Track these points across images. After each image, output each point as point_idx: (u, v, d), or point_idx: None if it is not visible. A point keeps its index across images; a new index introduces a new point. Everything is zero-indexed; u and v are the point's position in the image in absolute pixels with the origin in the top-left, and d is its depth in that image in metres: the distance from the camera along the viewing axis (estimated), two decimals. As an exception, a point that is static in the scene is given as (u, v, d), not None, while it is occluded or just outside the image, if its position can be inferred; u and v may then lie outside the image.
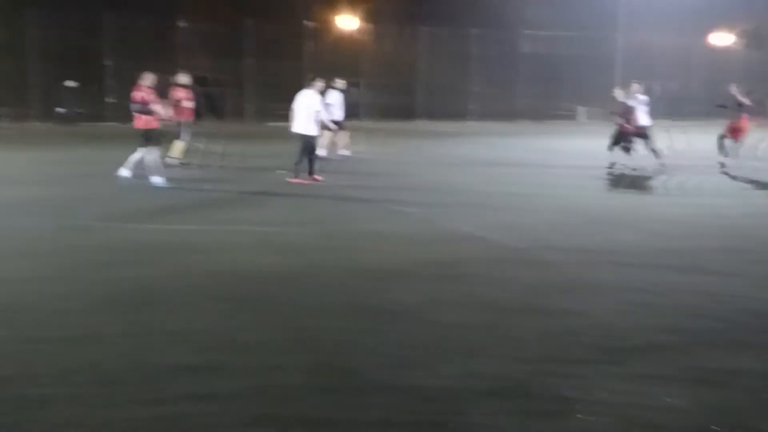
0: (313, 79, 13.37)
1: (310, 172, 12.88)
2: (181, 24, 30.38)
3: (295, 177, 12.79)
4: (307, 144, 12.91)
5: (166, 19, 29.36)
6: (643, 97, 15.32)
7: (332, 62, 28.70)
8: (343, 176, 13.64)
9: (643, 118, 15.09)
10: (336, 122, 16.32)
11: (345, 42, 33.42)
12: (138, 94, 12.33)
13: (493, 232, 8.92)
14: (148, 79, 12.49)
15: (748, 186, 13.43)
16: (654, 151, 15.02)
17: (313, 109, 12.92)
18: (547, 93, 34.40)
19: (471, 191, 12.44)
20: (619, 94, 15.71)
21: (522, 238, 8.58)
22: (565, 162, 17.06)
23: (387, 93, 32.67)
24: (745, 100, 15.53)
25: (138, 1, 27.72)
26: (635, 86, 15.54)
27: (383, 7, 33.54)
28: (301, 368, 4.68)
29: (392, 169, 15.61)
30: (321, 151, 14.82)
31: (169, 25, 29.74)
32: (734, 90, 15.80)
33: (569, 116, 35.92)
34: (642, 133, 15.08)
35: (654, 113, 15.56)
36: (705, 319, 5.65)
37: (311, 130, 12.91)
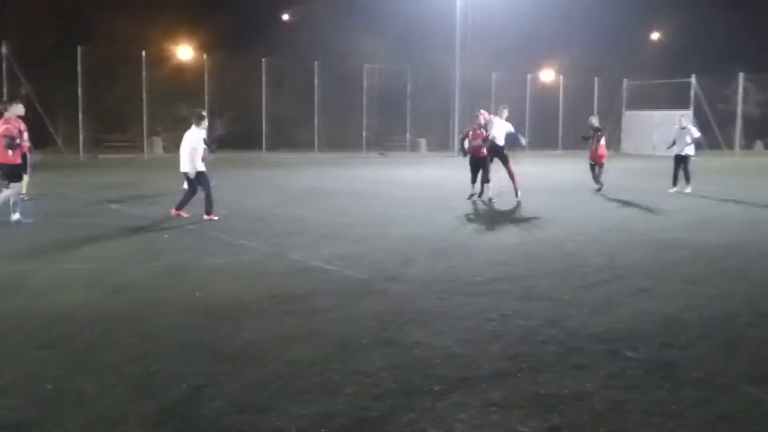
0: (200, 116, 12.80)
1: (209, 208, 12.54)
2: (4, 50, 28.55)
3: (207, 214, 12.43)
4: (194, 181, 12.56)
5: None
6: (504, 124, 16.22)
7: (172, 93, 28.03)
8: (187, 208, 13.19)
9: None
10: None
11: (186, 72, 32.69)
12: (4, 126, 11.36)
13: (340, 263, 8.88)
14: (15, 110, 11.60)
15: (585, 213, 14.18)
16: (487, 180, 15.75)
17: (195, 147, 12.43)
18: (390, 125, 35.24)
19: (317, 222, 12.39)
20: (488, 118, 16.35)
21: (369, 269, 8.58)
22: (409, 192, 17.44)
23: (231, 124, 32.29)
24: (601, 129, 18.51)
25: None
26: (504, 112, 16.47)
27: (224, 37, 33.18)
28: (146, 419, 4.37)
29: (236, 200, 15.30)
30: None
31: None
32: (594, 121, 18.67)
33: (412, 147, 36.94)
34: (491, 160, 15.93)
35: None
36: (547, 344, 5.83)
37: (195, 167, 12.42)
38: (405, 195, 16.94)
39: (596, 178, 18.04)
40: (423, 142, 37.92)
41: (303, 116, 33.31)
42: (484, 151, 15.65)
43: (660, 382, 5.03)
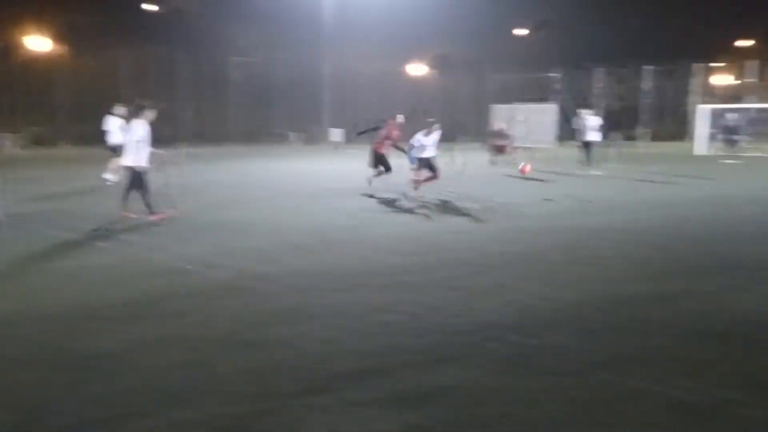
0: (141, 107, 11.84)
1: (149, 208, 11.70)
2: None
3: (151, 213, 11.60)
4: (136, 177, 11.66)
5: None
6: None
7: (23, 86, 26.46)
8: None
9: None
10: (114, 147, 16.07)
11: (38, 64, 30.85)
12: None
13: (201, 263, 8.54)
14: None
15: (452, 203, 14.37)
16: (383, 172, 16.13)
17: (138, 140, 11.56)
18: (259, 117, 34.68)
19: (180, 221, 11.87)
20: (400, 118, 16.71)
21: (232, 268, 8.30)
22: (278, 186, 17.12)
23: (86, 118, 30.82)
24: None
25: None
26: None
27: (79, 28, 31.51)
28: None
29: (87, 199, 14.53)
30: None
31: None
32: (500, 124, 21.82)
33: (281, 139, 36.51)
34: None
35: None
36: (411, 339, 5.78)
37: (139, 162, 11.56)
38: (272, 189, 16.61)
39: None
40: (295, 135, 37.60)
41: (168, 110, 32.20)
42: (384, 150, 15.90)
43: (518, 370, 5.09)
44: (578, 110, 23.32)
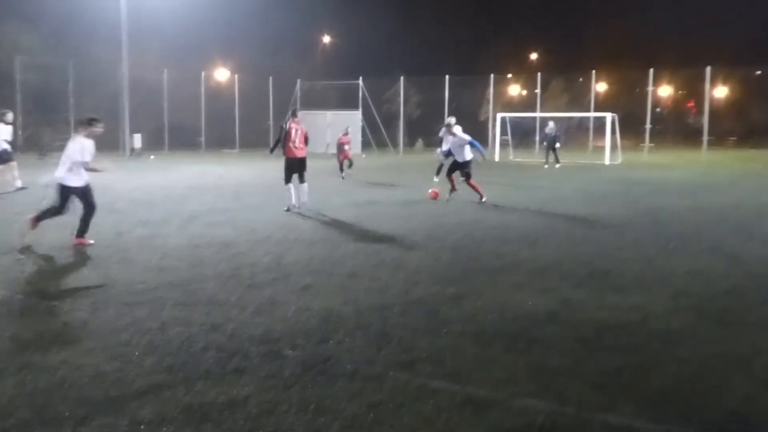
0: (87, 123, 10.19)
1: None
2: None
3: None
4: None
5: None
6: None
7: None
8: None
9: None
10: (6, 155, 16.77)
11: None
12: None
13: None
14: None
15: (260, 213, 14.15)
16: None
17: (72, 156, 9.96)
18: (52, 123, 32.50)
19: None
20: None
21: (6, 285, 7.66)
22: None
23: None
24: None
25: None
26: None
27: None
28: None
29: None
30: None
31: None
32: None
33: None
34: None
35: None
36: (206, 351, 5.59)
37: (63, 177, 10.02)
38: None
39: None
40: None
41: None
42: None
43: (316, 377, 5.06)
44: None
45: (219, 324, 6.31)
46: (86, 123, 10.21)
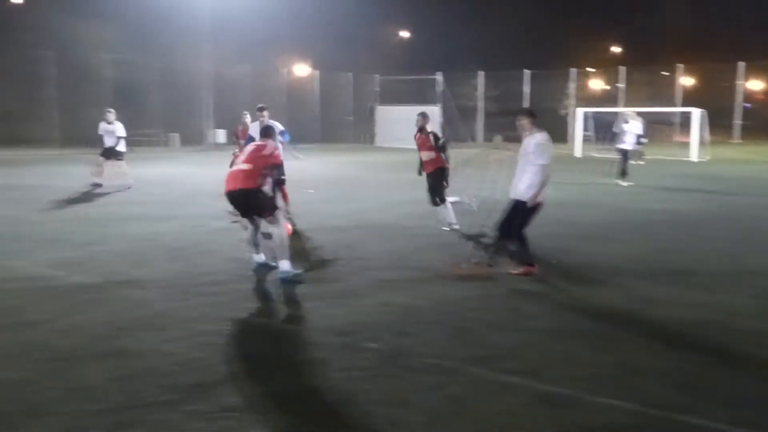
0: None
1: None
2: None
3: None
4: None
5: None
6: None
7: None
8: None
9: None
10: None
11: None
12: None
13: (66, 268, 8.17)
14: None
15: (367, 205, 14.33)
16: None
17: None
18: (137, 119, 33.48)
19: (40, 224, 11.32)
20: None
21: (100, 274, 7.98)
22: (150, 189, 16.54)
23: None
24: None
25: None
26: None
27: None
28: None
29: None
30: None
31: None
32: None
33: (159, 142, 35.41)
34: None
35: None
36: (288, 341, 5.73)
37: None
38: (145, 192, 16.00)
39: None
40: (176, 136, 36.52)
41: (35, 110, 30.57)
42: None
43: (395, 369, 5.12)
44: (624, 113, 20.31)
45: (298, 316, 6.45)
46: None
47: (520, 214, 7.96)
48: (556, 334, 5.99)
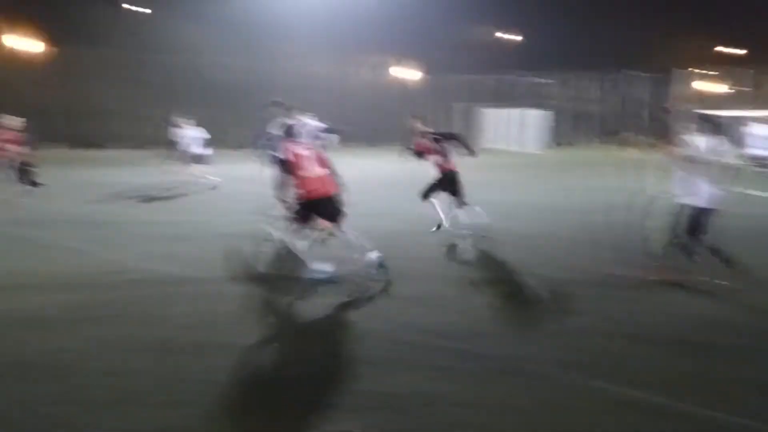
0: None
1: None
2: None
3: None
4: None
5: None
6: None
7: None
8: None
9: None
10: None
11: (24, 65, 30.57)
12: None
13: (162, 263, 8.50)
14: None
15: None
16: None
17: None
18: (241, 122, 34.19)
19: (134, 221, 11.78)
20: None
21: (197, 268, 8.25)
22: (240, 188, 16.72)
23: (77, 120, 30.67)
24: None
25: None
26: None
27: (64, 29, 31.22)
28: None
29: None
30: None
31: None
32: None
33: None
34: None
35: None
36: (390, 342, 5.80)
37: None
38: (239, 190, 15.85)
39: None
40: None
41: (137, 111, 31.80)
42: None
43: (489, 373, 5.18)
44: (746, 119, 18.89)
45: (412, 320, 6.42)
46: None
47: (699, 218, 7.63)
48: (644, 340, 5.92)
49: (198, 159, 17.11)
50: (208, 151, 17.40)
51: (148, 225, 11.49)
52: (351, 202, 8.00)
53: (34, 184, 13.50)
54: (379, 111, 40.42)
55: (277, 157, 8.18)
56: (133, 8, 37.61)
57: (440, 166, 10.41)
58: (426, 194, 10.53)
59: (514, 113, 40.96)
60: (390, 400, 4.64)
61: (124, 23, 35.08)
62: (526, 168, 23.64)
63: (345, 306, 6.83)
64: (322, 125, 12.92)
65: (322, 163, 7.86)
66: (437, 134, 10.55)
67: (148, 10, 38.68)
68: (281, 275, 8.02)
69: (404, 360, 5.38)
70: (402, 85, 44.46)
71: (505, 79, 46.22)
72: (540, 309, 6.91)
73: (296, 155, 7.69)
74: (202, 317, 6.39)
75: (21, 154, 13.31)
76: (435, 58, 44.21)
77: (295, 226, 7.81)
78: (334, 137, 13.12)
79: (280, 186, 7.81)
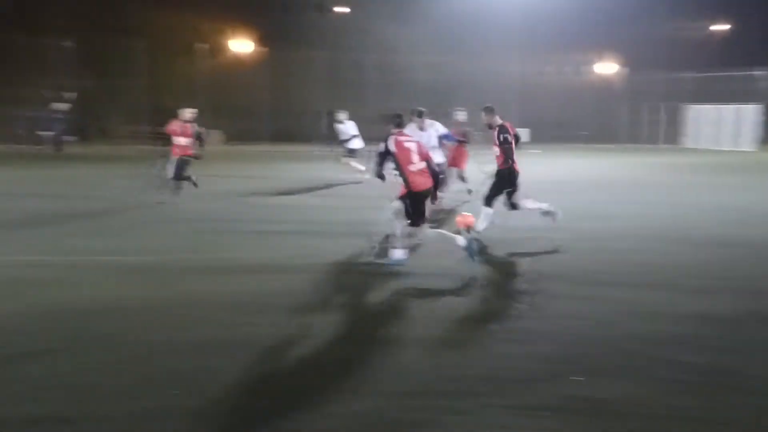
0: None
1: None
2: (66, 43, 29.17)
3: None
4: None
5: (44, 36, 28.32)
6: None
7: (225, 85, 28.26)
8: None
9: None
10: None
11: (239, 65, 32.74)
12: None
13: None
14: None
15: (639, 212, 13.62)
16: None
17: None
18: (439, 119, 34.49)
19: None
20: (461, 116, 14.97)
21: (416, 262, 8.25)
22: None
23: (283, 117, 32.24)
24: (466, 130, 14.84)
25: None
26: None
27: (277, 31, 33.05)
28: (182, 414, 4.27)
29: (255, 191, 15.23)
30: None
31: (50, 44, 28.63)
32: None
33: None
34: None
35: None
36: (594, 347, 5.54)
37: None
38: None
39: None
40: (479, 135, 37.05)
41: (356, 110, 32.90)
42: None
43: (714, 387, 4.77)
44: None
45: (611, 321, 6.19)
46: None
47: None
48: None
49: (353, 153, 17.85)
50: (361, 145, 17.96)
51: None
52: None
53: (186, 179, 13.34)
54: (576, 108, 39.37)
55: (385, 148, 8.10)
56: (337, 9, 39.03)
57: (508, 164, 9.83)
58: (513, 204, 9.99)
59: (726, 110, 38.44)
60: (602, 405, 4.40)
61: (328, 25, 36.47)
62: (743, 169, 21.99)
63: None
64: (444, 131, 13.10)
65: (426, 156, 8.11)
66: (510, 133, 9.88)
67: (347, 9, 39.96)
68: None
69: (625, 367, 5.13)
70: (604, 82, 43.01)
71: (712, 74, 43.25)
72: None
73: (401, 147, 7.94)
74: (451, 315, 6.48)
75: (186, 147, 13.14)
76: (636, 54, 42.34)
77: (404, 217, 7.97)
78: (452, 142, 13.44)
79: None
